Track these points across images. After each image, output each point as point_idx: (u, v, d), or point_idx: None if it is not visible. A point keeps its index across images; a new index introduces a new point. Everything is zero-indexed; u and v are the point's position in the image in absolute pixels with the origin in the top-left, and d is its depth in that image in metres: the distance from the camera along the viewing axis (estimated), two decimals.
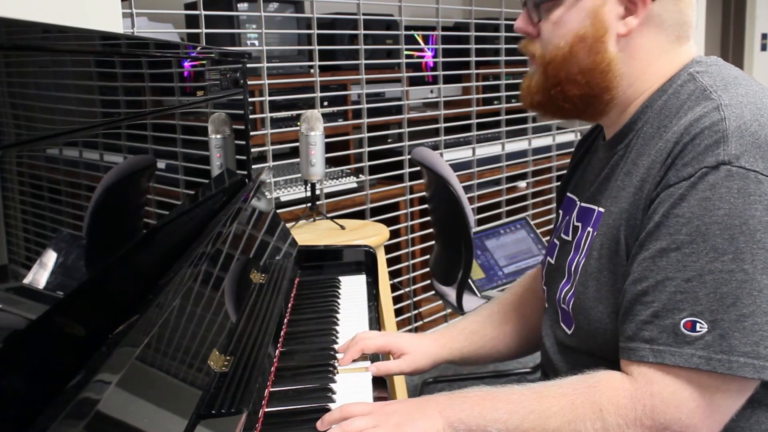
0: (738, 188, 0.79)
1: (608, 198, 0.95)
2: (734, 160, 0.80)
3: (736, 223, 0.79)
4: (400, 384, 2.22)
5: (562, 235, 1.07)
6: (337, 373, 1.06)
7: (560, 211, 1.13)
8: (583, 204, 1.02)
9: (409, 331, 2.99)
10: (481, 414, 0.86)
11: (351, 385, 1.03)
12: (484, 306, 1.25)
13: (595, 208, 0.98)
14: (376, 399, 1.00)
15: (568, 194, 1.11)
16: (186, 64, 1.21)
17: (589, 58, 0.92)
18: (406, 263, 2.90)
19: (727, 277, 0.79)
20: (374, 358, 1.12)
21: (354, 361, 1.10)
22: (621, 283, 0.90)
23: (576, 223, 1.03)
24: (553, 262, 1.09)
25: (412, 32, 2.93)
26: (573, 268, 1.00)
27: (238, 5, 2.35)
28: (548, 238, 1.20)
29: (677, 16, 0.93)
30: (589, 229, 0.98)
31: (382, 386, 1.05)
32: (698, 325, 0.79)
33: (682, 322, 0.80)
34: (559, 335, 1.04)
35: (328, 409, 0.94)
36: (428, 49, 3.03)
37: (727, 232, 0.79)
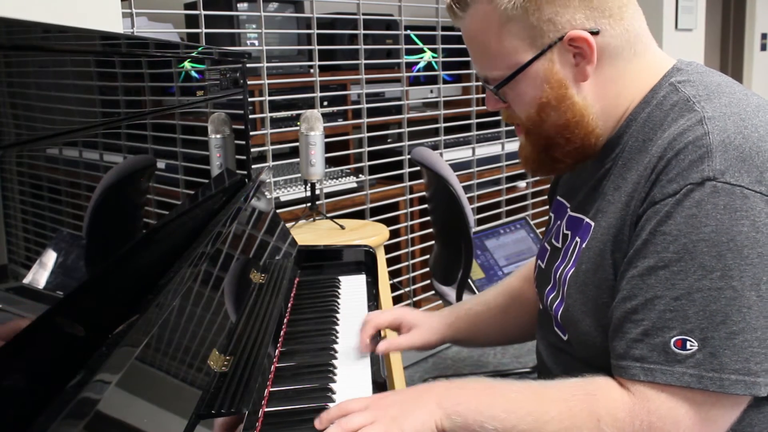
0: (724, 204, 0.79)
1: (597, 211, 0.94)
2: (719, 176, 0.79)
3: (723, 240, 0.78)
4: (399, 383, 2.22)
5: (552, 240, 1.07)
6: (337, 373, 1.06)
7: (551, 214, 1.13)
8: (572, 213, 1.02)
9: None
10: (477, 409, 0.86)
11: (351, 385, 1.03)
12: (491, 288, 1.27)
13: (584, 218, 0.97)
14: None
15: (558, 197, 1.11)
16: (186, 64, 1.22)
17: (561, 117, 0.91)
18: (406, 263, 2.90)
19: (715, 294, 0.78)
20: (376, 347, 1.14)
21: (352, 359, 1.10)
22: (606, 298, 0.90)
23: (566, 231, 1.03)
24: (543, 266, 1.09)
25: (408, 31, 2.93)
26: (558, 276, 1.00)
27: (238, 5, 2.35)
28: None
29: (625, 35, 0.91)
30: (578, 239, 0.97)
31: (382, 388, 1.05)
32: (688, 343, 0.79)
33: (672, 340, 0.80)
34: (552, 339, 1.04)
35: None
36: (426, 50, 3.03)
37: (715, 250, 0.78)
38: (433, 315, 1.21)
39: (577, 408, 0.84)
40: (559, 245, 1.04)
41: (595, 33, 0.88)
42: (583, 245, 0.95)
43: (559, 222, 1.07)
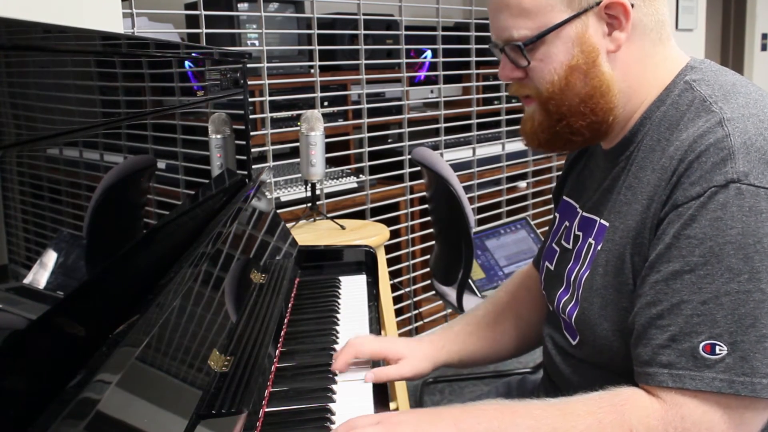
0: (749, 206, 0.78)
1: (612, 212, 0.93)
2: (743, 178, 0.79)
3: (750, 242, 0.78)
4: (400, 384, 2.22)
5: (562, 242, 1.05)
6: (338, 374, 1.06)
7: (556, 215, 1.11)
8: (584, 214, 1.00)
9: (410, 331, 2.99)
10: (500, 429, 0.83)
11: (351, 386, 1.03)
12: (478, 306, 1.23)
13: (597, 219, 0.96)
14: (376, 400, 1.00)
15: (565, 198, 1.10)
16: (186, 64, 1.21)
17: (587, 85, 0.90)
18: (407, 263, 2.90)
19: (744, 297, 0.77)
20: (374, 365, 1.09)
21: (352, 365, 1.07)
22: (626, 302, 0.88)
23: (577, 232, 1.01)
24: (552, 268, 1.07)
25: (411, 32, 2.93)
26: (573, 279, 0.98)
27: (238, 5, 2.35)
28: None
29: (655, 17, 0.91)
30: (591, 240, 0.96)
31: (382, 387, 1.05)
32: (717, 347, 0.78)
33: (701, 345, 0.79)
34: (561, 342, 1.03)
35: (329, 409, 0.94)
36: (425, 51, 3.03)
37: (742, 252, 0.78)
38: (422, 342, 1.14)
39: (607, 420, 0.82)
40: (570, 247, 1.02)
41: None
42: (598, 247, 0.93)
43: (567, 223, 1.05)
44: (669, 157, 0.86)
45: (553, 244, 1.09)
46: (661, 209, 0.85)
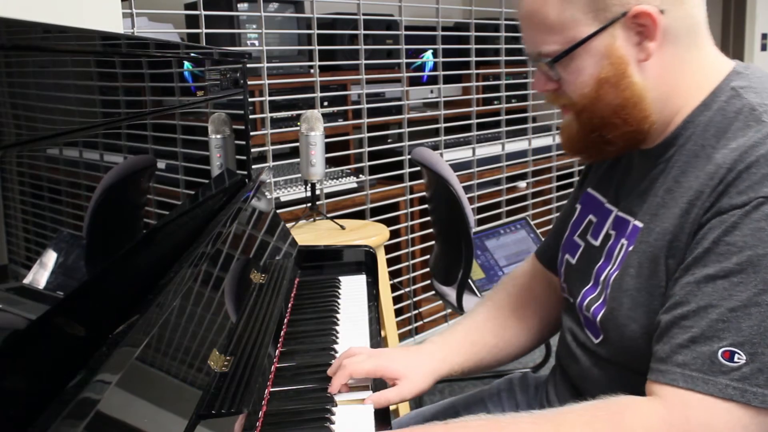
0: None
1: (647, 214, 0.92)
2: None
3: None
4: None
5: (588, 237, 1.03)
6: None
7: (578, 206, 1.09)
8: (619, 213, 0.98)
9: (409, 331, 2.99)
10: None
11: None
12: (478, 310, 1.17)
13: (631, 220, 0.95)
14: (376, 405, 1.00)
15: (591, 191, 1.07)
16: (186, 64, 1.21)
17: (619, 96, 0.88)
18: (406, 263, 2.90)
19: None
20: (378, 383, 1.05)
21: (351, 388, 1.02)
22: (657, 304, 0.87)
23: (610, 231, 0.99)
24: (574, 262, 1.05)
25: (412, 32, 2.93)
26: (603, 278, 0.97)
27: (238, 5, 2.35)
28: None
29: (688, 21, 0.89)
30: (624, 241, 0.95)
31: (382, 387, 1.04)
32: (736, 356, 0.77)
33: (720, 351, 0.78)
34: (582, 338, 1.01)
35: (328, 410, 0.94)
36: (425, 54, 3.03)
37: None
38: (421, 355, 1.07)
39: (606, 429, 0.81)
40: (598, 244, 1.00)
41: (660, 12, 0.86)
42: (630, 248, 0.92)
43: (592, 217, 1.04)
44: (716, 165, 0.84)
45: (575, 238, 1.06)
46: (703, 215, 0.84)
